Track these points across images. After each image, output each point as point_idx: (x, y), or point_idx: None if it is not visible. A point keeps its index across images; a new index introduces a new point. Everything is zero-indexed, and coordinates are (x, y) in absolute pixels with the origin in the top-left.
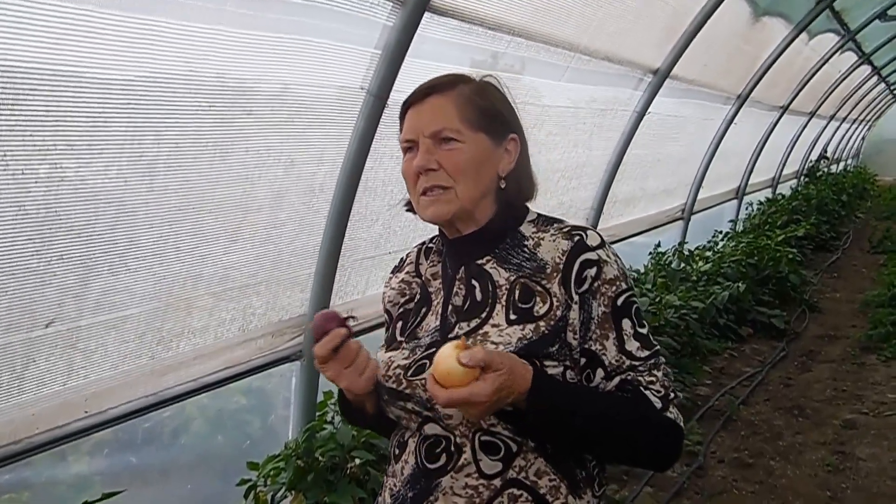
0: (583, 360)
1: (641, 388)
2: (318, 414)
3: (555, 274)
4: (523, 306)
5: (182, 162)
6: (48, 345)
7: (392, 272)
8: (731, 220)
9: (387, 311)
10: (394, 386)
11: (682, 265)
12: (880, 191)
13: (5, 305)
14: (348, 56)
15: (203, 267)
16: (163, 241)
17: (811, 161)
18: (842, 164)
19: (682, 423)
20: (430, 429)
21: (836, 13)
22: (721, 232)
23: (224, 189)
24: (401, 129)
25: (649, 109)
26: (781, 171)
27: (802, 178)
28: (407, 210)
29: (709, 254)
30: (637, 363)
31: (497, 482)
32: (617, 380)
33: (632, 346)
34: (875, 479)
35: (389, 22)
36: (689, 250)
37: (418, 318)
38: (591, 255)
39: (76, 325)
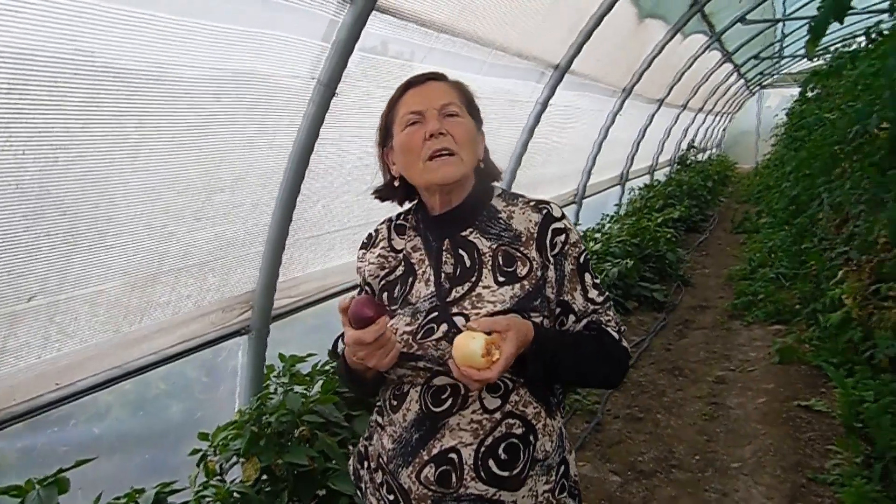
0: (558, 310)
1: (603, 326)
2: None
3: (531, 242)
4: (508, 270)
5: (161, 144)
6: (30, 318)
7: (364, 248)
8: (615, 204)
9: (367, 284)
10: (404, 349)
11: None
12: (739, 177)
13: None
14: (300, 48)
15: (170, 244)
16: (137, 219)
17: (682, 150)
18: (707, 154)
19: (629, 350)
20: (440, 380)
21: (706, 16)
22: (608, 215)
23: (194, 170)
24: (391, 111)
25: (551, 101)
26: (657, 159)
27: (675, 165)
28: (375, 197)
29: (598, 235)
30: (597, 307)
31: (497, 415)
32: (584, 321)
33: (593, 293)
34: (743, 423)
35: (338, 17)
36: (583, 231)
37: (407, 287)
38: (559, 225)
39: (56, 299)
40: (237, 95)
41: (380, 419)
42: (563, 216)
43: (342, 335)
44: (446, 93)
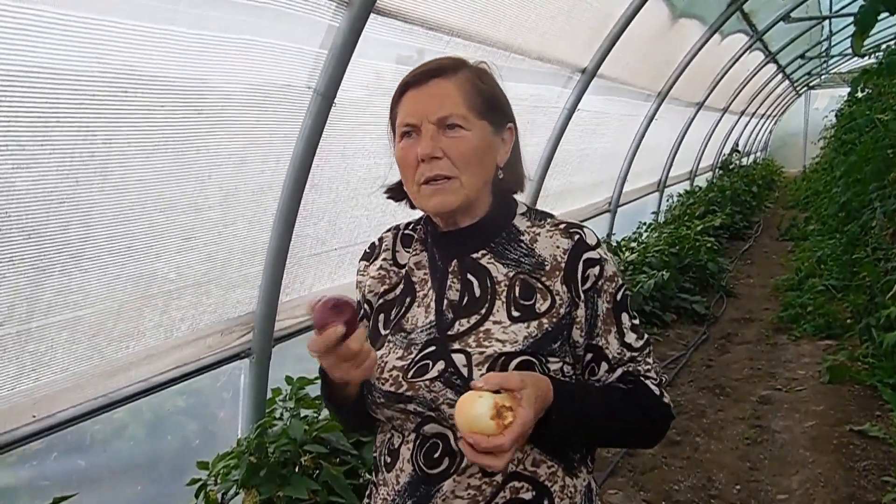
0: (588, 356)
1: (641, 378)
2: (266, 411)
3: (556, 272)
4: (525, 303)
5: (135, 161)
6: None
7: (365, 259)
8: (653, 212)
9: (366, 301)
10: (392, 389)
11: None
12: (786, 182)
13: None
14: (294, 56)
15: (156, 266)
16: (116, 241)
17: (724, 155)
18: (751, 157)
19: (671, 406)
20: (431, 428)
21: (746, 15)
22: (645, 223)
23: (177, 188)
24: (392, 112)
25: (579, 106)
26: (698, 164)
27: (717, 170)
28: (388, 197)
29: (634, 244)
30: (635, 353)
31: (498, 478)
32: (619, 371)
33: (630, 337)
34: (789, 449)
35: (335, 22)
36: (617, 241)
37: (402, 309)
38: (593, 255)
39: (26, 327)
40: (227, 107)
41: (374, 478)
42: (598, 244)
43: None
44: (448, 98)
